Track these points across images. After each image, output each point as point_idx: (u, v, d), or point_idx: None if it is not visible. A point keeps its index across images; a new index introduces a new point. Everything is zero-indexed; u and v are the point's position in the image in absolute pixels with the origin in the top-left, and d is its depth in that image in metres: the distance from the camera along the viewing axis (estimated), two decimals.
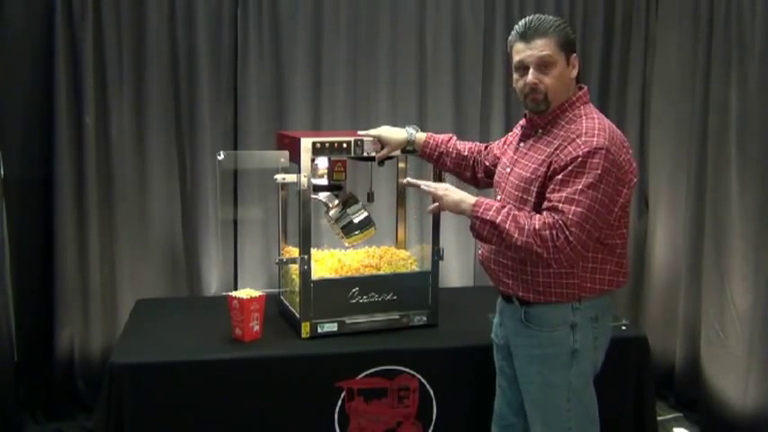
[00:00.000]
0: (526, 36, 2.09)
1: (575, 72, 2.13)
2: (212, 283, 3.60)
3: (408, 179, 2.36)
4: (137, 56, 3.40)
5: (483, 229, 2.08)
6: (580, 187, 1.98)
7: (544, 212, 2.02)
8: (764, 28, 3.03)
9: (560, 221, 1.97)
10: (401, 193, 2.96)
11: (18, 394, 3.35)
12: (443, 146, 2.55)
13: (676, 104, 3.66)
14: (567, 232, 1.96)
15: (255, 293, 2.58)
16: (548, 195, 2.04)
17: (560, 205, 1.98)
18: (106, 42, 3.34)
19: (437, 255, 2.69)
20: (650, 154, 3.77)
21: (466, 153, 2.53)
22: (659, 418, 3.12)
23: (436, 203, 2.24)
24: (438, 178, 2.65)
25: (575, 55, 2.12)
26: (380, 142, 2.59)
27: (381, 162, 2.66)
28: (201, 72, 3.47)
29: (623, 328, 2.67)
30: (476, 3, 3.68)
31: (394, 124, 2.68)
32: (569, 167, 2.00)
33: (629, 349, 2.60)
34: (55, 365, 3.41)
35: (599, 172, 1.98)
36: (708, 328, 3.34)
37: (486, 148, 2.53)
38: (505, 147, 2.37)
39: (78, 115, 3.33)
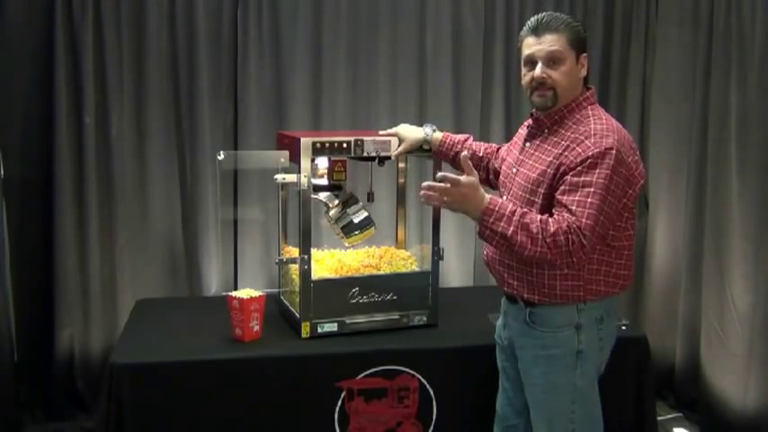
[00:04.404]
0: (537, 31, 2.09)
1: (583, 72, 2.13)
2: (212, 283, 3.60)
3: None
4: (137, 56, 3.40)
5: (492, 239, 2.01)
6: (592, 189, 1.96)
7: (556, 214, 1.99)
8: (764, 28, 3.03)
9: (575, 225, 1.94)
10: (401, 193, 2.95)
11: (18, 394, 3.34)
12: (459, 145, 2.56)
13: (676, 104, 3.65)
14: (581, 236, 1.93)
15: (255, 293, 2.57)
16: (558, 197, 2.01)
17: (574, 208, 1.95)
18: (106, 42, 3.33)
19: (437, 255, 2.69)
20: (650, 154, 3.77)
21: (481, 153, 2.54)
22: (659, 418, 3.12)
23: (433, 192, 1.99)
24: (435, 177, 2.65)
25: (584, 55, 2.13)
26: (399, 139, 2.61)
27: (381, 162, 2.66)
28: (201, 72, 3.46)
29: (623, 328, 2.67)
30: (476, 3, 3.67)
31: (394, 124, 2.69)
32: (579, 168, 1.98)
33: (629, 349, 2.59)
34: (55, 365, 3.40)
35: (609, 173, 1.97)
36: (708, 328, 3.33)
37: (498, 149, 2.53)
38: (510, 147, 2.35)
39: (78, 115, 3.33)
